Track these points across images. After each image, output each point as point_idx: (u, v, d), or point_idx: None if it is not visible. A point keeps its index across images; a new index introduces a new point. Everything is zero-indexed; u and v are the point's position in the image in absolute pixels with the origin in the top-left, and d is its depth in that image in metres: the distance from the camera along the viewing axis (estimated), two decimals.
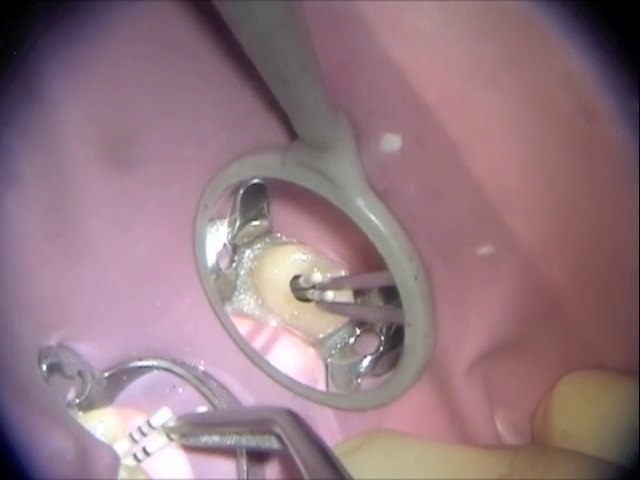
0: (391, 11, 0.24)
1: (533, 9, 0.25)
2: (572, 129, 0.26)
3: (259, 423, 0.28)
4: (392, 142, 0.27)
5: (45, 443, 0.25)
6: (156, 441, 0.31)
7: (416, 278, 0.27)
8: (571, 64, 0.26)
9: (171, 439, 0.31)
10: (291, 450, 0.25)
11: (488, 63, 0.26)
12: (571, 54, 0.26)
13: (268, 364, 0.34)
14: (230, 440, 0.29)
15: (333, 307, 0.33)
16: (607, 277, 0.26)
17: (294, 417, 0.26)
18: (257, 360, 0.34)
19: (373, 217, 0.27)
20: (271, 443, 0.27)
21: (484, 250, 0.27)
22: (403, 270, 0.27)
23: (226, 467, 0.31)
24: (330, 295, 0.32)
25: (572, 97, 0.26)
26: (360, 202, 0.27)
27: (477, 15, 0.25)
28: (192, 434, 0.30)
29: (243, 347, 0.34)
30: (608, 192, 0.26)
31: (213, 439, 0.29)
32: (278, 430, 0.26)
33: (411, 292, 0.27)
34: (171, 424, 0.31)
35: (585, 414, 0.27)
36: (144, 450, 0.30)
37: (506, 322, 0.27)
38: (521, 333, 0.28)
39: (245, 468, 0.31)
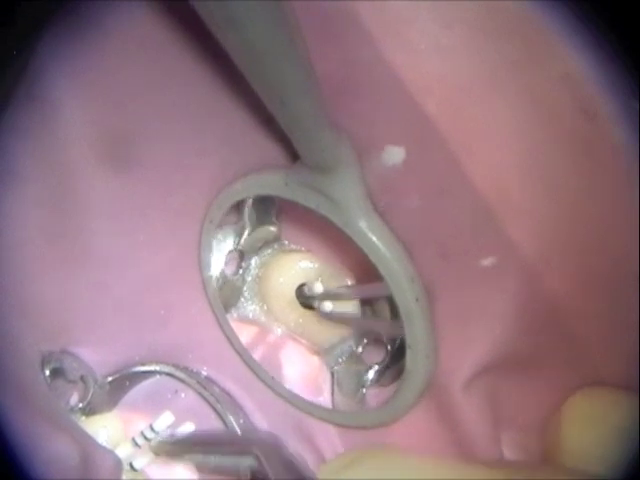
0: (392, 21, 0.24)
1: (533, 10, 0.26)
2: (572, 129, 0.26)
3: (240, 444, 0.29)
4: (395, 154, 0.27)
5: (48, 448, 0.25)
6: (143, 457, 0.31)
7: (417, 300, 0.28)
8: (571, 64, 0.26)
9: (157, 455, 0.31)
10: (268, 471, 0.26)
11: (488, 65, 0.26)
12: (571, 54, 0.26)
13: (272, 378, 0.34)
14: (212, 459, 0.30)
15: (333, 317, 0.33)
16: (609, 283, 0.27)
17: (274, 439, 0.28)
18: (260, 374, 0.34)
19: (375, 239, 0.27)
20: (250, 463, 0.28)
21: (488, 261, 0.27)
22: (404, 292, 0.28)
23: None
24: (328, 306, 0.32)
25: (572, 97, 0.26)
26: (362, 224, 0.27)
27: (477, 18, 0.26)
28: (176, 453, 0.31)
29: (247, 360, 0.34)
30: (609, 192, 0.26)
31: (196, 457, 0.30)
32: (257, 451, 0.27)
33: (412, 314, 0.28)
34: (157, 441, 0.31)
35: (594, 432, 0.28)
36: (131, 466, 0.31)
37: (509, 334, 0.28)
38: (523, 345, 0.28)
39: None
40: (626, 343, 0.27)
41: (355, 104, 0.27)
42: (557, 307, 0.27)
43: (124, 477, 0.29)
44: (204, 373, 0.33)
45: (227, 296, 0.34)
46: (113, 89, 0.28)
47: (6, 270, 0.29)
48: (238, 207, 0.33)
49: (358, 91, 0.26)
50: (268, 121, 0.30)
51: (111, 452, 0.29)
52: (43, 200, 0.29)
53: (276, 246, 0.35)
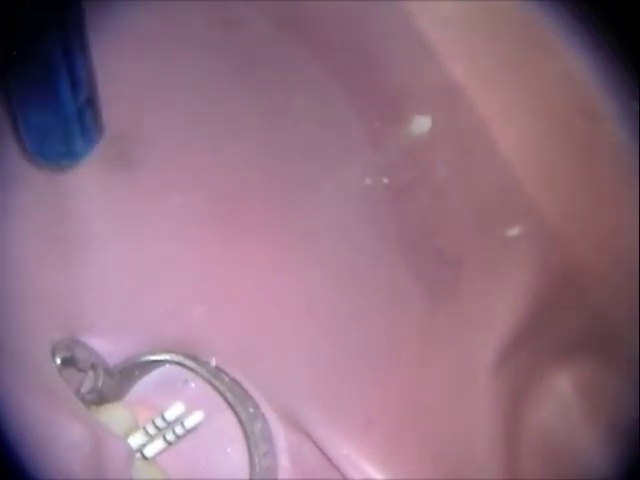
0: None
1: (533, 10, 0.27)
2: (571, 129, 0.28)
3: None
4: (422, 124, 0.28)
5: (63, 435, 0.26)
6: (154, 445, 0.32)
7: None
8: (571, 64, 0.27)
9: (169, 443, 0.32)
10: None
11: (489, 63, 0.27)
12: (571, 54, 0.27)
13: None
14: None
15: None
16: (614, 269, 0.28)
17: None
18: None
19: None
20: None
21: (513, 232, 0.28)
22: None
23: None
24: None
25: (572, 97, 0.27)
26: None
27: (477, 17, 0.27)
28: None
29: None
30: (609, 192, 0.28)
31: None
32: None
33: None
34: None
35: None
36: (142, 454, 0.31)
37: (532, 303, 0.29)
38: (543, 313, 0.29)
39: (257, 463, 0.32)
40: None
41: (383, 74, 0.27)
42: (579, 275, 0.29)
43: (136, 465, 0.29)
44: (213, 363, 0.34)
45: None
46: (113, 86, 0.29)
47: (15, 261, 0.29)
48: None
49: (386, 61, 0.27)
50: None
51: (123, 440, 0.30)
52: (46, 194, 0.30)
53: None
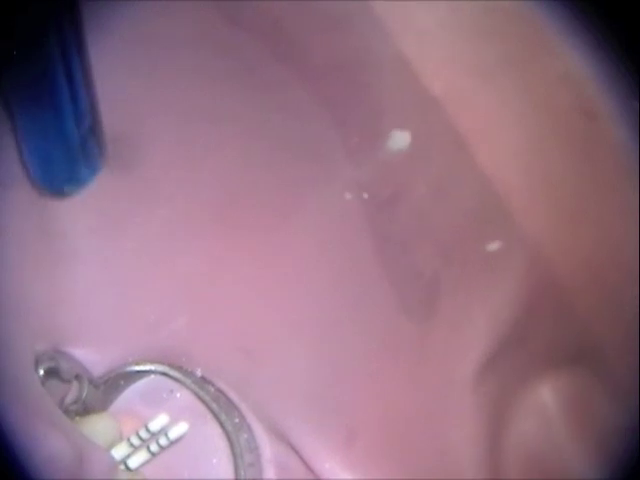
0: (401, 9, 0.25)
1: (533, 10, 0.27)
2: (571, 128, 0.27)
3: None
4: (401, 139, 0.28)
5: (43, 447, 0.26)
6: (138, 457, 0.32)
7: None
8: (571, 64, 0.27)
9: (153, 454, 0.32)
10: None
11: (489, 63, 0.27)
12: (571, 54, 0.27)
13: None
14: None
15: None
16: (610, 275, 0.28)
17: None
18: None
19: None
20: None
21: (493, 247, 0.28)
22: None
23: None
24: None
25: (572, 97, 0.27)
26: None
27: (477, 17, 0.26)
28: None
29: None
30: (609, 192, 0.27)
31: None
32: None
33: None
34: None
35: None
36: (126, 465, 0.31)
37: (513, 317, 0.28)
38: (524, 325, 0.29)
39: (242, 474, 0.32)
40: (626, 327, 0.27)
41: (363, 90, 0.27)
42: (561, 289, 0.28)
43: (119, 477, 0.29)
44: (199, 374, 0.34)
45: None
46: (110, 86, 0.29)
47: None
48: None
49: (366, 77, 0.27)
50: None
51: (106, 452, 0.30)
52: (32, 200, 0.30)
53: None
